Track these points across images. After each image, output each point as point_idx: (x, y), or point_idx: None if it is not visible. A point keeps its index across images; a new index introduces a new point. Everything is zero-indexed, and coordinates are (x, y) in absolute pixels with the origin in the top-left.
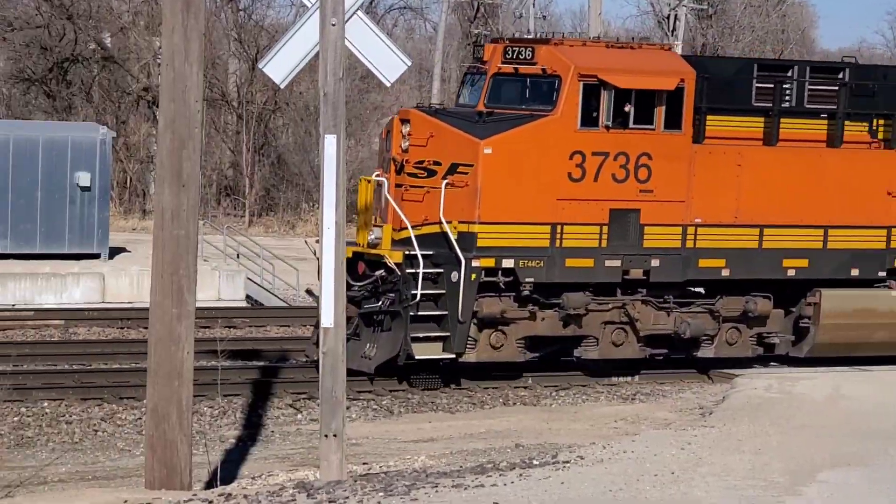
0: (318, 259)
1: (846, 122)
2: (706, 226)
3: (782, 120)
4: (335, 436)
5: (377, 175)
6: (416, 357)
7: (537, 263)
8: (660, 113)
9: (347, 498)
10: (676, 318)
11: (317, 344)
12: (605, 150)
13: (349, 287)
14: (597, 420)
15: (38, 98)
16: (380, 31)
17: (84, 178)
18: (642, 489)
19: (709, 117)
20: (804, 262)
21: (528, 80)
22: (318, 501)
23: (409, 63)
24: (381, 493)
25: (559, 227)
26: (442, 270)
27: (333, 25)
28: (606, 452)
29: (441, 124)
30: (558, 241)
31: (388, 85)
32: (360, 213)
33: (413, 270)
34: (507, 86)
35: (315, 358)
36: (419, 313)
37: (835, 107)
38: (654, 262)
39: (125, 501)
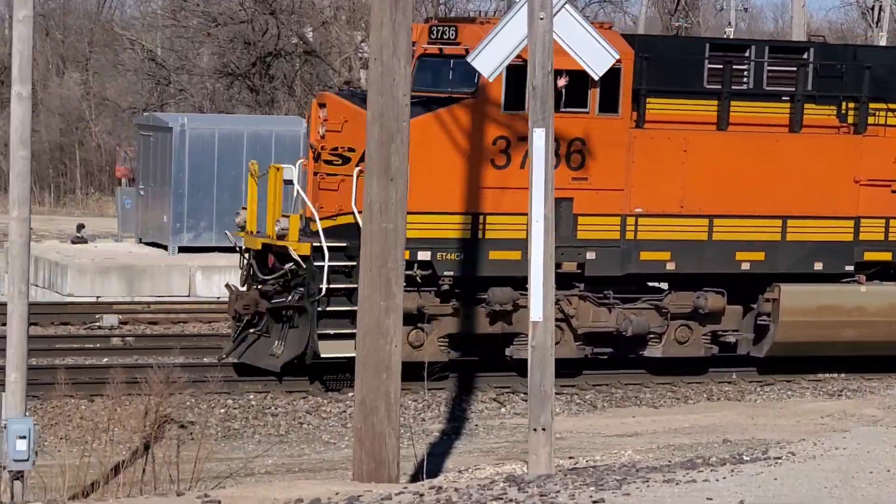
0: (239, 251)
1: (812, 106)
2: (648, 216)
3: (740, 103)
4: (544, 430)
5: (302, 162)
6: (322, 356)
7: (457, 256)
8: (594, 95)
9: (559, 492)
10: (618, 315)
11: (234, 340)
12: None
13: (261, 281)
14: (802, 416)
15: (241, 92)
16: (587, 25)
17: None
18: (858, 486)
19: (650, 100)
20: (760, 256)
21: (452, 61)
22: (529, 495)
23: (617, 56)
24: (591, 488)
25: (481, 218)
26: (355, 263)
27: (542, 19)
28: (818, 449)
29: (355, 108)
30: (481, 233)
31: (597, 78)
32: (269, 203)
33: (320, 263)
34: (433, 68)
35: (226, 357)
36: (329, 308)
37: (794, 89)
38: (590, 255)
39: (336, 493)
